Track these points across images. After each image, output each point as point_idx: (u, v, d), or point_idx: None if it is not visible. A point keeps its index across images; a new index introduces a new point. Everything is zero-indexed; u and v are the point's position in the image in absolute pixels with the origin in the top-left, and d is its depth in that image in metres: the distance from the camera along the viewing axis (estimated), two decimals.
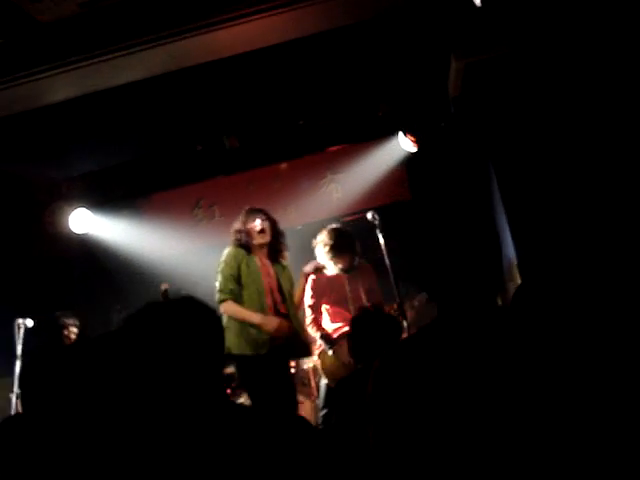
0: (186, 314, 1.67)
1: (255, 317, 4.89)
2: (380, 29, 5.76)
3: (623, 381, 1.31)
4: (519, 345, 1.52)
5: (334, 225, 5.78)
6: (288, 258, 5.43)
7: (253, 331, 4.90)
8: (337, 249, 5.57)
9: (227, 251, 5.19)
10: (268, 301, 5.06)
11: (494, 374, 1.56)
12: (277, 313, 5.08)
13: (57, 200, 7.31)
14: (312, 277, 5.71)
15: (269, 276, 5.15)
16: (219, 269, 5.10)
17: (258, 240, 5.18)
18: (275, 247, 5.30)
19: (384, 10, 5.48)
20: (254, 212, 5.29)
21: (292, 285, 5.40)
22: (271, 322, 4.89)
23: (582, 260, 5.27)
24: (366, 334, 3.59)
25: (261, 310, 4.98)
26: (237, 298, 5.00)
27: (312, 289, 5.68)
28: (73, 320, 5.76)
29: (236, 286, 5.02)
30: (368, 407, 1.72)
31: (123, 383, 1.72)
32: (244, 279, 5.04)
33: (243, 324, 4.90)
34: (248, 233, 5.18)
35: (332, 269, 5.65)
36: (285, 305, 5.17)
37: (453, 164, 7.08)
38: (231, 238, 5.25)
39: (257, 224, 5.18)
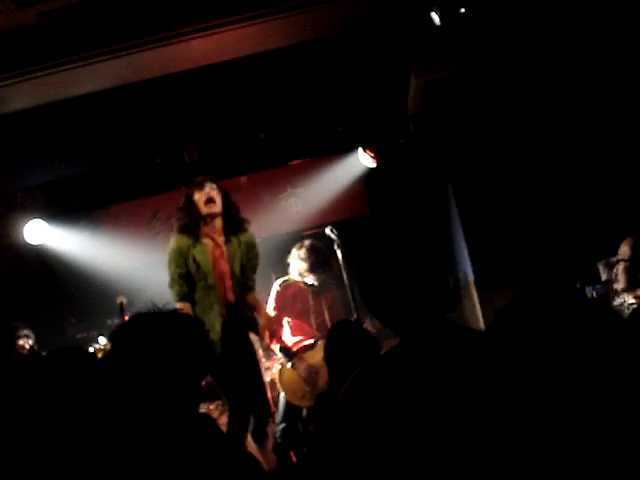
0: (177, 328, 1.67)
1: None
2: (341, 46, 5.82)
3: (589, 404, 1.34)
4: (484, 368, 1.54)
5: (316, 242, 5.75)
6: (250, 229, 4.82)
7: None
8: (314, 267, 5.56)
9: (171, 243, 4.63)
10: (220, 293, 4.59)
11: (460, 398, 1.58)
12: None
13: (12, 210, 7.18)
14: (277, 289, 5.67)
15: (222, 262, 4.62)
16: (167, 262, 4.61)
17: (206, 211, 4.56)
18: (231, 218, 4.67)
19: (346, 27, 5.54)
20: (201, 181, 4.64)
21: (254, 256, 4.81)
22: None
23: (538, 275, 5.37)
24: (343, 347, 3.52)
25: (214, 304, 4.52)
26: (187, 296, 4.53)
27: (275, 301, 5.64)
28: (27, 332, 5.63)
29: (184, 284, 4.52)
30: (336, 428, 1.74)
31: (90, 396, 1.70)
32: (193, 274, 4.53)
33: None
34: (194, 208, 4.57)
35: (298, 279, 5.63)
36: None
37: (412, 180, 7.15)
38: (175, 222, 4.71)
39: (205, 192, 4.56)
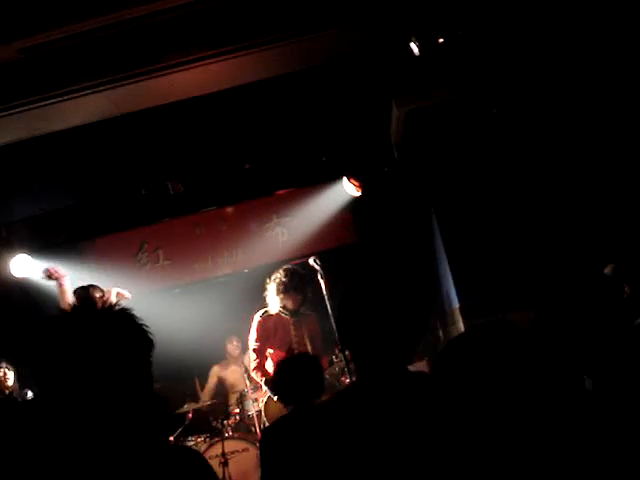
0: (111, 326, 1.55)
1: None
2: (323, 77, 5.87)
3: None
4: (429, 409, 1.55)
5: (290, 265, 5.72)
6: None
7: None
8: (288, 287, 5.52)
9: None
10: None
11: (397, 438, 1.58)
12: None
13: None
14: (258, 319, 5.61)
15: None
16: None
17: None
18: None
19: (327, 59, 5.58)
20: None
21: None
22: None
23: (522, 301, 5.35)
24: (286, 377, 3.63)
25: None
26: None
27: (257, 331, 5.58)
28: (7, 365, 5.64)
29: None
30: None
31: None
32: None
33: None
34: None
35: (277, 308, 5.59)
36: None
37: (397, 207, 7.17)
38: None
39: None
